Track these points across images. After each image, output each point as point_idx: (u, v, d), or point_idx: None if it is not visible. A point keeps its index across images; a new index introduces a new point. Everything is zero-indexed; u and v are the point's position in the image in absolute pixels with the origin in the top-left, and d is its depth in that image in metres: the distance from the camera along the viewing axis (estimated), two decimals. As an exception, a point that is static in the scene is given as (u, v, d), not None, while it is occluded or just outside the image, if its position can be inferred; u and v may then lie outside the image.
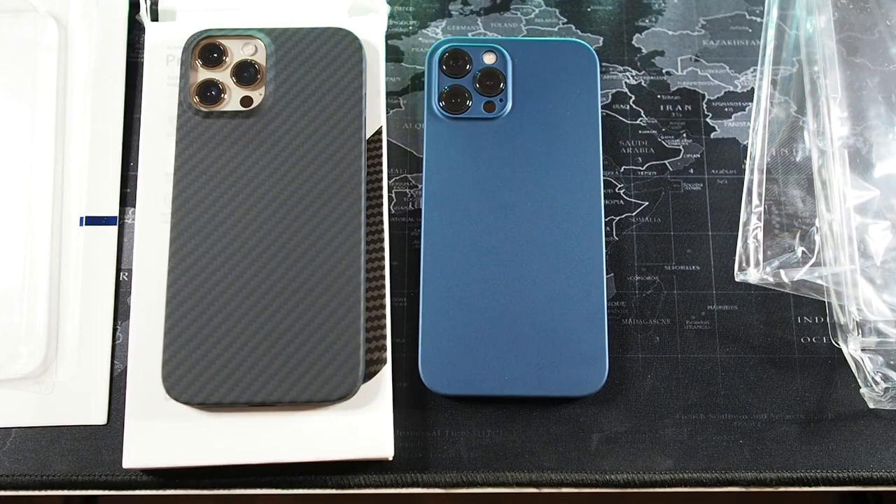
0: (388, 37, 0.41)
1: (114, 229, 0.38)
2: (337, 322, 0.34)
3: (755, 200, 0.38)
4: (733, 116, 0.40)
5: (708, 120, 0.40)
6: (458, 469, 0.35)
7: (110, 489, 0.35)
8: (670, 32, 0.42)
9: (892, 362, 0.35)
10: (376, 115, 0.38)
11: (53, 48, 0.39)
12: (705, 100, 0.41)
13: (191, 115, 0.36)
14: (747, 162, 0.39)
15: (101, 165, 0.38)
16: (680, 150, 0.40)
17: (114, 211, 0.38)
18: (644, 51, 0.42)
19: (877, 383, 0.35)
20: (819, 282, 0.36)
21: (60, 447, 0.35)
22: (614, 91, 0.41)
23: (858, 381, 0.36)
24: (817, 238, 0.37)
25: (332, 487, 0.35)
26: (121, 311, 0.37)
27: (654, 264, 0.38)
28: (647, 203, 0.39)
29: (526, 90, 0.38)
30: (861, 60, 0.39)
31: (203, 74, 0.37)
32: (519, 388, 0.35)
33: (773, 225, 0.38)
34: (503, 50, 0.39)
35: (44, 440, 0.35)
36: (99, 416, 0.36)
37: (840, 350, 0.36)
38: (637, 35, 0.42)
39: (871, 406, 0.35)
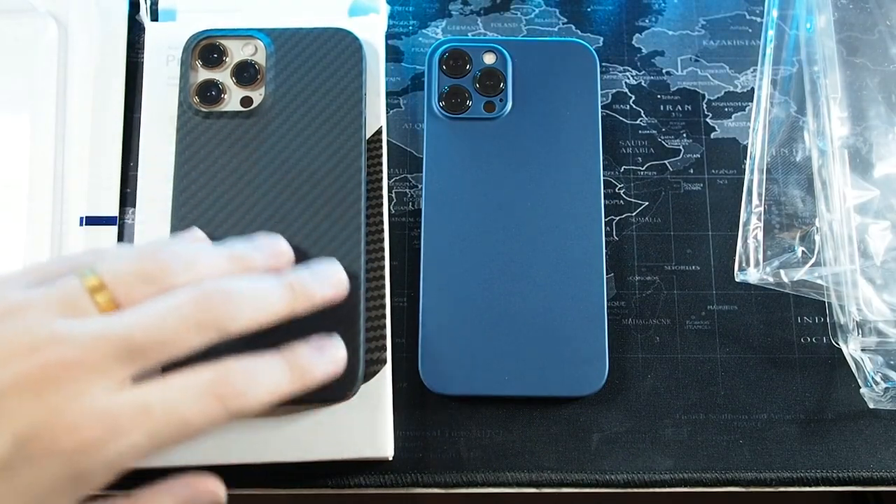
0: (388, 37, 0.41)
1: (114, 229, 0.38)
2: (337, 322, 0.34)
3: (755, 200, 0.38)
4: (733, 116, 0.40)
5: (708, 120, 0.40)
6: (458, 469, 0.35)
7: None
8: (670, 32, 0.42)
9: (892, 362, 0.35)
10: (376, 115, 0.38)
11: (53, 48, 0.39)
12: (705, 100, 0.41)
13: (191, 116, 0.36)
14: (747, 162, 0.39)
15: (101, 165, 0.38)
16: (680, 150, 0.40)
17: (114, 211, 0.38)
18: (644, 51, 0.42)
19: (877, 383, 0.35)
20: (819, 282, 0.36)
21: (60, 447, 0.35)
22: (614, 91, 0.41)
23: (858, 381, 0.36)
24: (817, 238, 0.37)
25: (331, 487, 0.35)
26: (121, 311, 0.37)
27: (654, 264, 0.38)
28: (647, 203, 0.39)
29: (526, 90, 0.38)
30: (861, 60, 0.39)
31: (203, 75, 0.37)
32: (519, 388, 0.35)
33: (773, 225, 0.38)
34: (503, 50, 0.39)
35: (44, 440, 0.35)
36: (99, 416, 0.36)
37: (840, 350, 0.36)
38: (637, 35, 0.42)
39: (871, 406, 0.35)
